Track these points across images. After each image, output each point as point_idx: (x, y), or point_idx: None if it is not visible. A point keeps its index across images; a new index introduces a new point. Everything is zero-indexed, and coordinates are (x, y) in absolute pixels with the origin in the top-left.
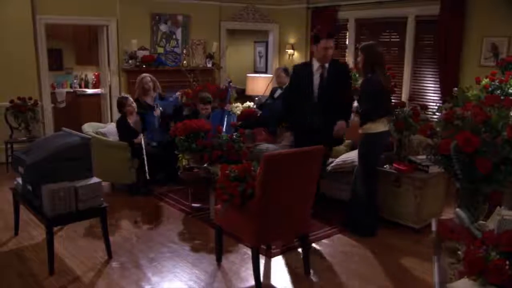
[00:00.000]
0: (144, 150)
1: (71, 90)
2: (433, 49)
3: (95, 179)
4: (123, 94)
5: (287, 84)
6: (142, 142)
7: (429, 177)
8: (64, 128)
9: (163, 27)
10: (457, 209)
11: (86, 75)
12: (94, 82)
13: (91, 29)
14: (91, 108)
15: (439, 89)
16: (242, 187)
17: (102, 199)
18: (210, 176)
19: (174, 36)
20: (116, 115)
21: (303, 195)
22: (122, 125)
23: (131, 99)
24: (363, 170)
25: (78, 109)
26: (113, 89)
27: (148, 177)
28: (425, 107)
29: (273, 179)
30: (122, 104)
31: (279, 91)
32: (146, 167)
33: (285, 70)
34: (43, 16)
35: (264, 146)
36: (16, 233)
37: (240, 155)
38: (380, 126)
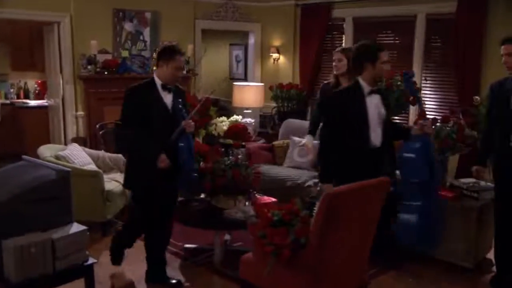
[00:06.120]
0: None
1: (8, 102)
2: (448, 52)
3: (77, 226)
4: None
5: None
6: None
7: (481, 205)
8: (25, 157)
9: (128, 26)
10: None
11: (25, 83)
12: (36, 91)
13: (32, 27)
14: (36, 125)
15: (456, 97)
16: (293, 235)
17: (87, 252)
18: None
19: (141, 37)
20: (72, 133)
21: (364, 239)
22: None
23: None
24: None
25: (18, 126)
26: (67, 100)
27: None
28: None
29: (335, 224)
30: None
31: None
32: None
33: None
34: None
35: (268, 168)
36: None
37: (249, 184)
38: None
